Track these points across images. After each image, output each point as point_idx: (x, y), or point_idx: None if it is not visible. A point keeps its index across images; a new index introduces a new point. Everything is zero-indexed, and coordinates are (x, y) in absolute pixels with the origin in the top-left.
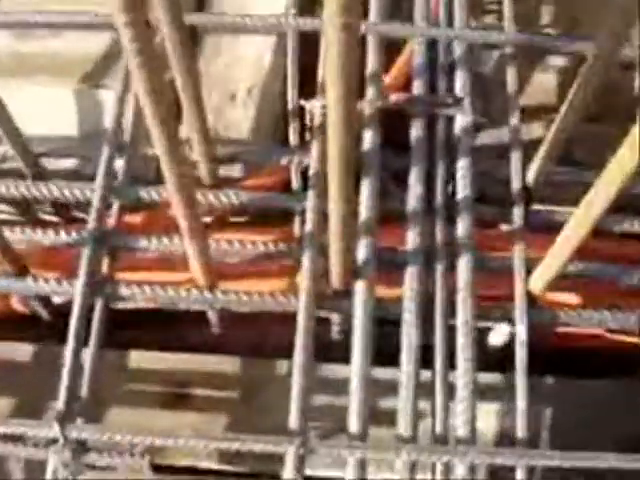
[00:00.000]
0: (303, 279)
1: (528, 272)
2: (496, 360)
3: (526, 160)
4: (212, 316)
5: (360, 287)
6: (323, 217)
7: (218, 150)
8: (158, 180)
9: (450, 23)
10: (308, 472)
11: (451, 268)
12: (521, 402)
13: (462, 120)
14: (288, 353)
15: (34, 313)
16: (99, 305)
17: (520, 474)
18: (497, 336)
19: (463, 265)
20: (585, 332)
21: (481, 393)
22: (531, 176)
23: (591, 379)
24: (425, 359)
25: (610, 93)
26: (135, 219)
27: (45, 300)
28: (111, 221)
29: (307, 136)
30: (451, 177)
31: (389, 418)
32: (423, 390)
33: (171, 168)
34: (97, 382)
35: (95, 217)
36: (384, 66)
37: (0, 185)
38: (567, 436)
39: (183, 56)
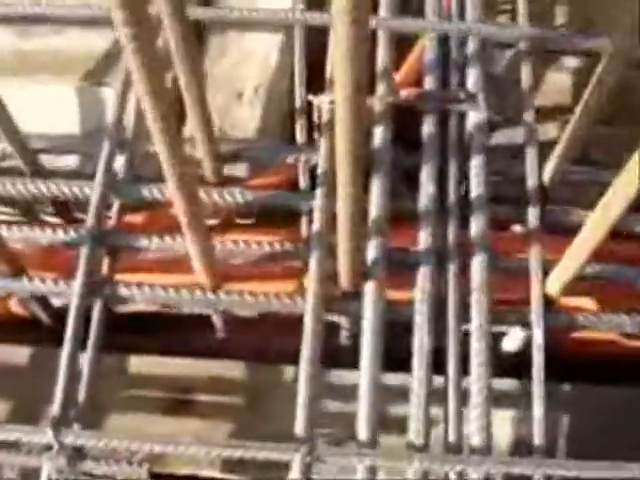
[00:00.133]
0: (310, 280)
1: (544, 274)
2: (511, 366)
3: (541, 160)
4: (216, 320)
5: (370, 288)
6: (332, 217)
7: (223, 148)
8: (160, 178)
9: (462, 18)
10: None
11: (464, 269)
12: (538, 409)
13: (475, 116)
14: (294, 359)
15: (34, 316)
16: (98, 306)
17: None
18: (511, 341)
19: (477, 265)
20: (601, 338)
21: (496, 400)
22: (547, 175)
23: (608, 386)
24: (437, 364)
25: (625, 93)
26: (136, 219)
27: (44, 302)
28: (111, 220)
29: (315, 135)
30: (464, 176)
31: (399, 426)
32: (435, 396)
33: (172, 165)
34: (96, 387)
35: (94, 215)
36: (395, 62)
37: None
38: (584, 444)
39: (186, 52)
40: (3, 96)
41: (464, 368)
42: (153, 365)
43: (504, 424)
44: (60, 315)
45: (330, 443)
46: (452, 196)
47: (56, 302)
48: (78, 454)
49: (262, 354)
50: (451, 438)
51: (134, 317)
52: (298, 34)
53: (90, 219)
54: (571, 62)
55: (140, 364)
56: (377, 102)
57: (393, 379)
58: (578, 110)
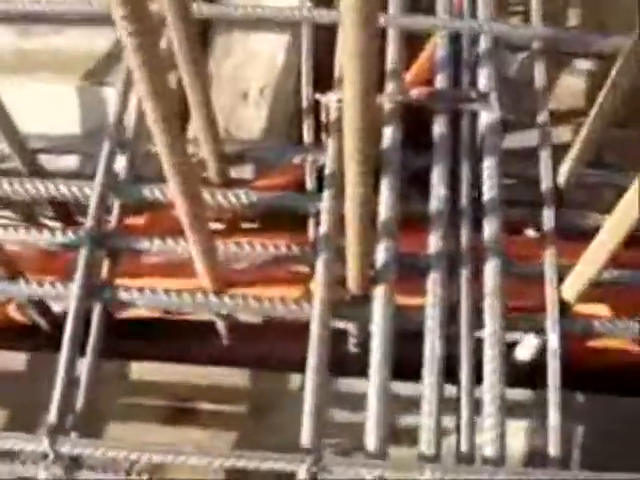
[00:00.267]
0: (317, 284)
1: (560, 280)
2: (524, 375)
3: (555, 163)
4: (220, 326)
5: (379, 292)
6: (339, 219)
7: (228, 149)
8: (162, 179)
9: (474, 17)
10: None
11: (477, 274)
12: (554, 417)
13: (488, 116)
14: (299, 368)
15: (33, 322)
16: (97, 310)
17: None
18: (524, 350)
19: (490, 270)
20: (613, 347)
21: (509, 410)
22: (562, 178)
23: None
24: (448, 373)
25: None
26: (137, 220)
27: (43, 308)
28: (111, 222)
29: (323, 135)
30: (477, 177)
31: (410, 437)
32: (447, 406)
33: (173, 166)
34: (95, 394)
35: (93, 216)
36: (405, 61)
37: None
38: (597, 453)
39: (190, 52)
40: (3, 95)
41: (477, 376)
42: (154, 372)
43: (517, 434)
44: (59, 321)
45: (337, 453)
46: (464, 198)
47: (55, 307)
48: (75, 463)
49: (265, 362)
50: (463, 448)
51: (135, 323)
52: (305, 32)
53: (89, 220)
54: (584, 65)
55: (141, 371)
56: (386, 101)
57: (403, 388)
58: (592, 113)
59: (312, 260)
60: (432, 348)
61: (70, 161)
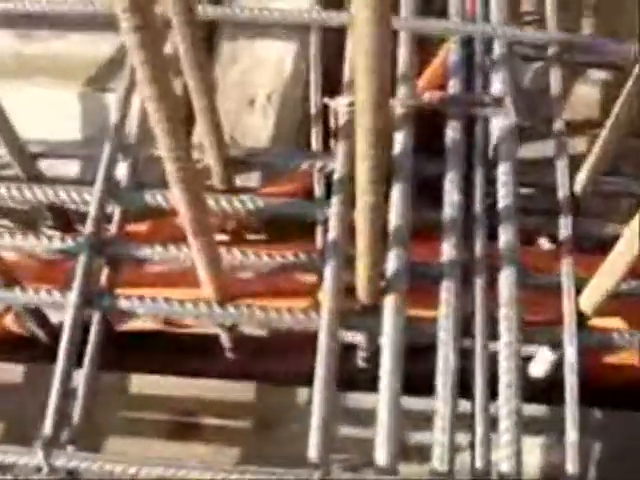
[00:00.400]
0: (325, 293)
1: (577, 291)
2: (540, 391)
3: (572, 172)
4: (224, 339)
5: (390, 302)
6: (348, 227)
7: (233, 154)
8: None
9: (487, 21)
10: None
11: (492, 284)
12: (572, 433)
13: (503, 122)
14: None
15: (31, 334)
16: (96, 319)
17: None
18: (539, 365)
19: (505, 279)
20: (629, 362)
21: (524, 426)
22: (579, 186)
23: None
24: (462, 387)
25: None
26: (138, 228)
27: (41, 318)
28: (112, 230)
29: (331, 142)
30: (491, 184)
31: (420, 453)
32: (460, 422)
33: (177, 170)
34: (93, 407)
35: (92, 222)
36: (418, 66)
37: None
38: (614, 470)
39: (195, 55)
40: (3, 101)
41: (491, 392)
42: (156, 385)
43: (533, 451)
44: (58, 332)
45: (346, 469)
46: (478, 206)
47: (54, 318)
48: (71, 477)
49: (271, 378)
50: (478, 465)
51: (135, 337)
52: (314, 37)
53: (89, 226)
54: (598, 75)
55: (141, 384)
56: (398, 105)
57: (413, 403)
58: (608, 123)
59: (320, 268)
60: (446, 361)
61: (71, 168)
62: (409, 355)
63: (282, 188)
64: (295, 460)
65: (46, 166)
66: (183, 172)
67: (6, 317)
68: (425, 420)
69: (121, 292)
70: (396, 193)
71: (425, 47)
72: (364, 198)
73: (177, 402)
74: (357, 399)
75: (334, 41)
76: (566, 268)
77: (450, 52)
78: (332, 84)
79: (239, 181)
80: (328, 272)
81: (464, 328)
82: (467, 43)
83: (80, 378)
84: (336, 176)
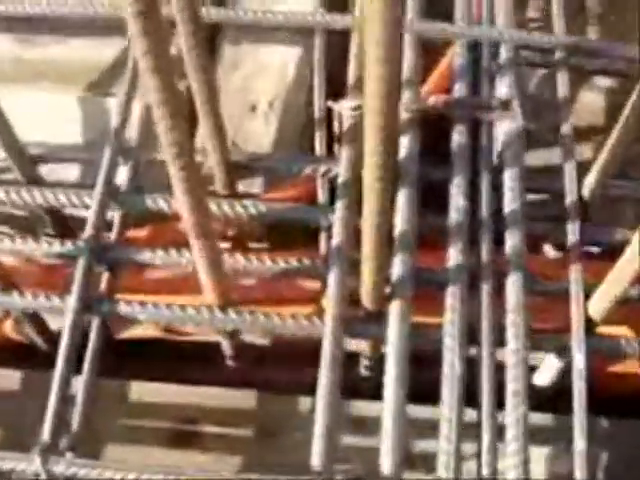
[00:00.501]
0: (329, 300)
1: (585, 297)
2: (545, 399)
3: (579, 179)
4: (225, 347)
5: (395, 308)
6: (353, 232)
7: (236, 159)
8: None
9: (493, 24)
10: None
11: (498, 290)
12: (580, 441)
13: (510, 125)
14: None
15: (30, 342)
16: (95, 325)
17: None
18: (544, 373)
19: (512, 285)
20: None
21: (531, 435)
22: (587, 190)
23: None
24: (468, 396)
25: None
26: (139, 233)
27: (40, 325)
28: (112, 234)
29: (335, 147)
30: (497, 189)
31: (425, 462)
32: (467, 431)
33: (179, 169)
34: (92, 414)
35: (92, 225)
36: (424, 70)
37: None
38: (621, 479)
39: (199, 57)
40: (3, 104)
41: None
42: (156, 392)
43: (539, 460)
44: (57, 340)
45: (349, 478)
46: (484, 211)
47: (53, 325)
48: None
49: (272, 387)
50: (485, 473)
51: (135, 344)
52: (318, 38)
53: (88, 230)
54: (604, 82)
55: (142, 391)
56: (403, 109)
57: (418, 411)
58: (616, 129)
59: (324, 275)
60: (451, 367)
61: (71, 173)
62: (414, 365)
63: (285, 193)
64: (298, 468)
65: (46, 171)
66: (186, 171)
67: (5, 324)
68: (430, 428)
69: (121, 298)
70: (402, 198)
71: (430, 50)
72: (371, 199)
73: (177, 410)
74: (360, 407)
75: (338, 44)
76: (574, 274)
77: (456, 56)
78: (336, 88)
79: (242, 187)
80: (332, 278)
81: (470, 335)
82: (473, 47)
83: (79, 384)
84: (340, 180)
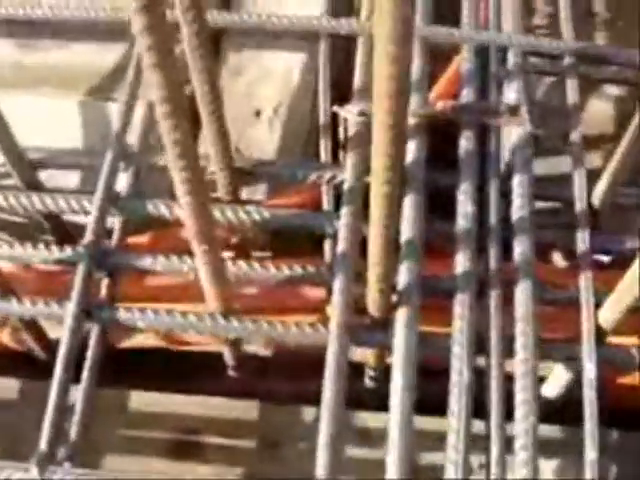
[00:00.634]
0: (334, 307)
1: (596, 306)
2: (553, 411)
3: (588, 187)
4: (227, 356)
5: (401, 316)
6: (358, 239)
7: (240, 164)
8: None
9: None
10: None
11: (507, 298)
12: (591, 452)
13: (517, 131)
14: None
15: (28, 350)
16: (95, 332)
17: None
18: (553, 384)
19: (521, 293)
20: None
21: (539, 447)
22: (597, 198)
23: None
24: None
25: None
26: (140, 240)
27: (38, 333)
28: (112, 241)
29: (340, 154)
30: (505, 195)
31: (434, 473)
32: (475, 443)
33: (182, 169)
34: (91, 423)
35: (92, 231)
36: (432, 75)
37: None
38: None
39: (203, 58)
40: (4, 109)
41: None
42: (156, 402)
43: (548, 472)
44: (55, 348)
45: None
46: (492, 217)
47: (52, 334)
48: None
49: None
50: None
51: (135, 354)
52: (323, 43)
53: (88, 235)
54: (612, 91)
55: (141, 401)
56: (411, 114)
57: (426, 422)
58: (625, 137)
59: (329, 282)
60: (460, 376)
61: (71, 179)
62: (420, 377)
63: (289, 200)
64: None
65: (46, 177)
66: (188, 171)
67: (2, 332)
68: (438, 440)
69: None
70: (409, 204)
71: (437, 56)
72: (378, 201)
73: (178, 420)
74: (365, 418)
75: (343, 49)
76: (584, 282)
77: (463, 61)
78: (341, 93)
79: (245, 193)
80: (337, 285)
81: (478, 345)
82: (481, 52)
83: (78, 394)
84: (346, 186)
